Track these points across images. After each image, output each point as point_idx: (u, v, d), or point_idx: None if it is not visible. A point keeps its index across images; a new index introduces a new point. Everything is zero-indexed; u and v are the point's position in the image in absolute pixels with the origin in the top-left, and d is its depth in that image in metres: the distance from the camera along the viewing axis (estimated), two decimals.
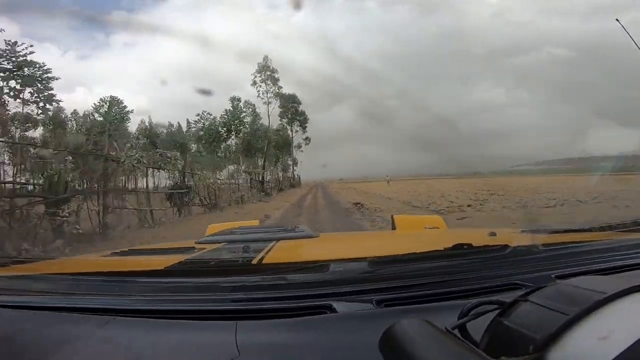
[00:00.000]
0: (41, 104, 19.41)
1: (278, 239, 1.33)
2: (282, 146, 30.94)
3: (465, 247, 0.83)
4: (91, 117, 24.64)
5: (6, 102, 18.21)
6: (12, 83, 18.30)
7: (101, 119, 24.33)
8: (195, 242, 1.40)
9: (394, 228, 1.87)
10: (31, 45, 18.32)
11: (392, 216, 1.99)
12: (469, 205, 10.86)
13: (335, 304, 0.67)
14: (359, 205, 12.90)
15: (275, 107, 29.21)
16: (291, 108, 30.01)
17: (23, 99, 18.78)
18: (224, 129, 27.88)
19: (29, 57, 18.16)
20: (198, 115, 27.97)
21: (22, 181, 10.46)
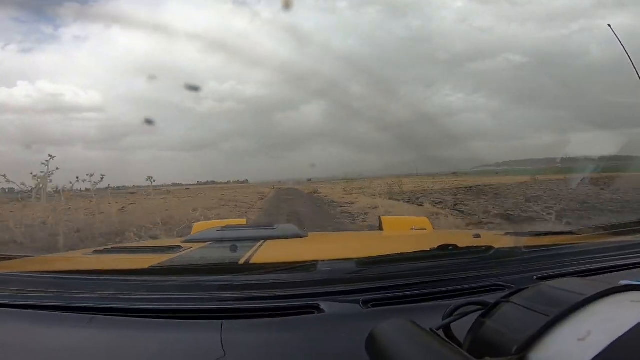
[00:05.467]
0: None
1: (266, 238, 1.33)
2: None
3: (451, 248, 0.84)
4: None
5: None
6: None
7: None
8: (181, 241, 1.38)
9: (381, 229, 1.88)
10: None
11: (379, 217, 2.01)
12: None
13: (322, 304, 0.67)
14: None
15: None
16: None
17: None
18: None
19: None
20: None
21: None
